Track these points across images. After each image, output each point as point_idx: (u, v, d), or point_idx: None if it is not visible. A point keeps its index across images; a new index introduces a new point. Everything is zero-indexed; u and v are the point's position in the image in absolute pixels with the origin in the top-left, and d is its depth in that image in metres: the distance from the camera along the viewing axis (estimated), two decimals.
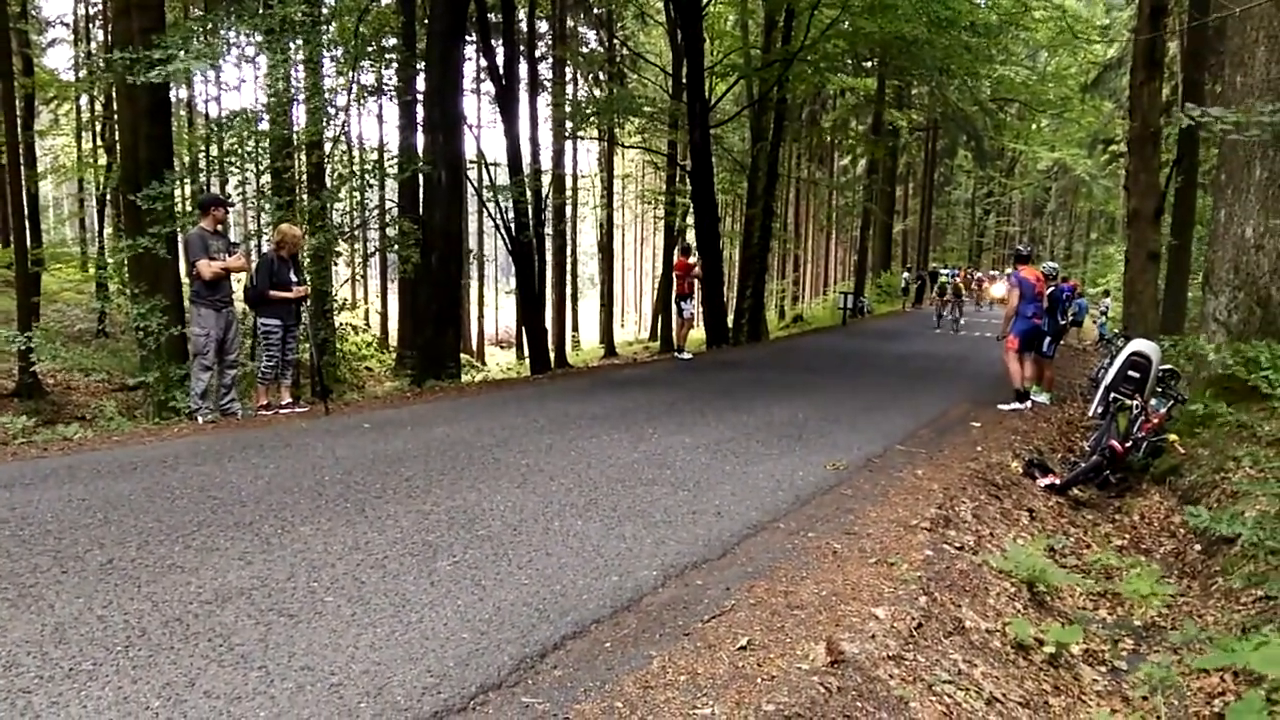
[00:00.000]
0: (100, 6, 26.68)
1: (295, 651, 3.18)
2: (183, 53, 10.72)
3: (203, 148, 21.63)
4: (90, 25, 28.71)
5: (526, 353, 21.27)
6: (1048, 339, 10.87)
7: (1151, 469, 7.56)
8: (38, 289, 21.46)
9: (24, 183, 20.81)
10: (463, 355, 14.82)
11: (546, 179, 23.11)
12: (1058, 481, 7.05)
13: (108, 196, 25.95)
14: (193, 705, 2.80)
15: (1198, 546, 5.66)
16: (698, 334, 23.93)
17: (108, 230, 26.06)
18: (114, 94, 17.26)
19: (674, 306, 16.38)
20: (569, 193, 33.60)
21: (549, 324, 25.14)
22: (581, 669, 3.13)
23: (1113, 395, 7.57)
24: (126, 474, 5.72)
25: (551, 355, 21.94)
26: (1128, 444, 7.16)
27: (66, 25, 30.04)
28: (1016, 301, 10.32)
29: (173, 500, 5.08)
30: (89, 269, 26.99)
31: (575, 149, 34.92)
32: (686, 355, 15.38)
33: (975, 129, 33.05)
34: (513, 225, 17.84)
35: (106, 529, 4.51)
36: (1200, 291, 9.08)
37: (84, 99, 29.48)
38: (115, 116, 18.97)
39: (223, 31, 13.37)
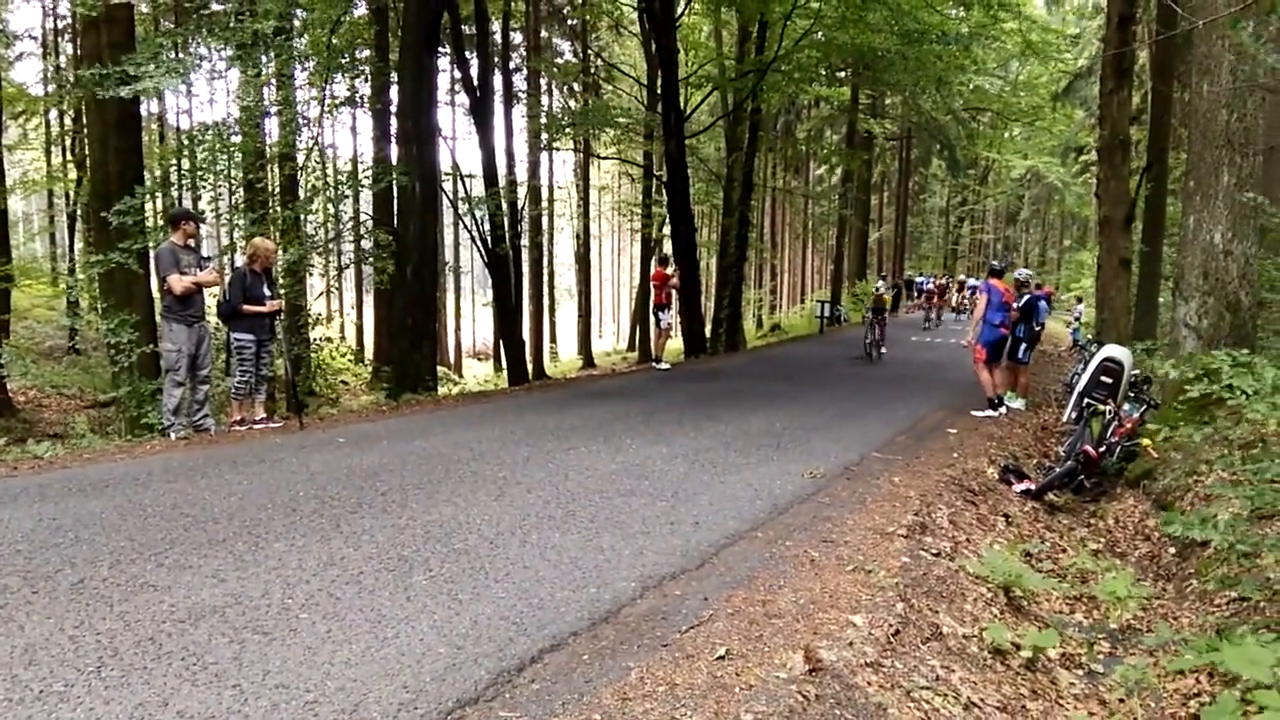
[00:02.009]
0: (69, 20, 26.41)
1: (269, 669, 3.15)
2: (153, 68, 10.65)
3: (174, 162, 21.44)
4: (59, 39, 28.42)
5: (504, 365, 21.20)
6: (1023, 345, 10.97)
7: (1126, 473, 7.65)
8: (7, 306, 21.12)
9: None
10: (440, 368, 14.78)
11: (522, 190, 23.10)
12: (1033, 487, 7.11)
13: (78, 211, 25.68)
14: None
15: (1172, 549, 5.72)
16: (676, 344, 23.95)
17: (78, 245, 25.77)
18: (83, 108, 17.11)
19: (652, 317, 16.39)
20: (545, 204, 33.60)
21: (526, 335, 25.04)
22: (559, 682, 3.11)
23: (1086, 401, 7.65)
24: (98, 492, 5.65)
25: (529, 367, 21.90)
26: (1102, 449, 7.24)
27: (35, 39, 29.67)
28: (984, 307, 10.41)
29: (145, 518, 5.01)
30: (60, 285, 26.66)
31: (551, 160, 35.00)
32: (664, 365, 15.39)
33: (949, 138, 33.37)
34: (489, 237, 17.81)
35: (78, 548, 4.44)
36: (1171, 297, 9.19)
37: (53, 113, 29.14)
38: (85, 131, 18.78)
39: (193, 47, 13.29)
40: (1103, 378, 7.64)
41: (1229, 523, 4.80)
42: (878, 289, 19.75)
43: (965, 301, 32.23)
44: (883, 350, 17.73)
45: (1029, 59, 25.45)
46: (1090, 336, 15.51)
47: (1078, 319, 25.35)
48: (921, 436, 8.82)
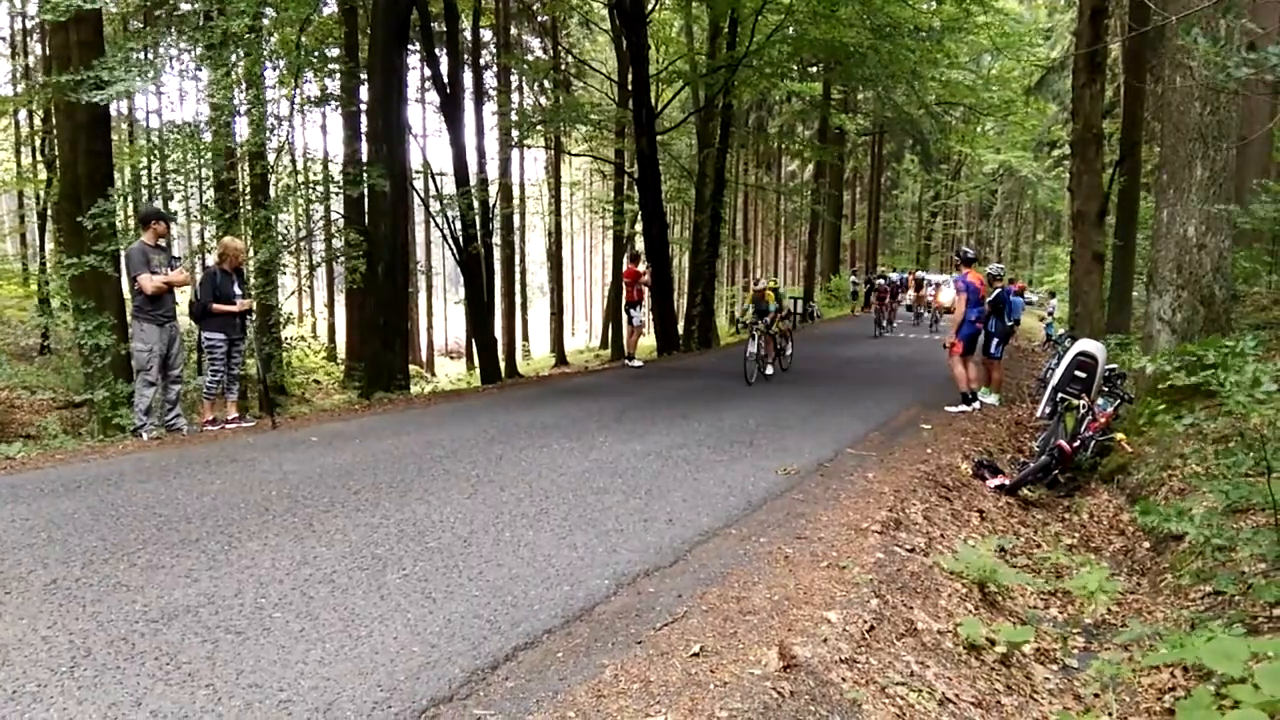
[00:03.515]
0: (37, 20, 26.01)
1: (243, 669, 3.13)
2: (123, 70, 10.52)
3: (145, 162, 21.19)
4: (28, 39, 27.97)
5: (477, 363, 21.11)
6: (995, 340, 11.05)
7: (1100, 468, 7.72)
8: None
9: None
10: (412, 367, 14.69)
11: (494, 188, 22.97)
12: (1007, 482, 7.16)
13: (48, 212, 25.28)
14: None
15: (1146, 544, 5.77)
16: (648, 341, 23.98)
17: (49, 246, 25.37)
18: (52, 109, 16.84)
19: (624, 314, 16.37)
20: (517, 202, 33.47)
21: (499, 334, 24.90)
22: (534, 679, 3.10)
23: (1060, 395, 7.71)
24: (70, 492, 5.59)
25: (502, 365, 21.78)
26: (1075, 443, 7.29)
27: (3, 39, 29.23)
28: (964, 308, 10.42)
29: (118, 518, 4.96)
30: (31, 284, 26.27)
31: (523, 157, 34.89)
32: (637, 363, 15.39)
33: (921, 133, 33.49)
34: (460, 235, 17.71)
35: (50, 548, 4.40)
36: (1145, 291, 9.27)
37: (22, 114, 28.70)
38: (54, 131, 18.51)
39: (163, 48, 13.10)
40: (1077, 372, 7.70)
41: (1204, 516, 4.85)
42: (758, 282, 14.58)
43: (928, 298, 29.33)
44: (775, 364, 13.89)
45: (1001, 53, 25.63)
46: (1064, 331, 15.65)
47: (1051, 314, 25.55)
48: (895, 432, 8.87)
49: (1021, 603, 4.85)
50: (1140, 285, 15.37)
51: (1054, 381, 8.01)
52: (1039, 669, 3.96)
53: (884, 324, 24.38)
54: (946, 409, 10.29)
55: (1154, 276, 8.32)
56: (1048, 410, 8.09)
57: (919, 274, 31.27)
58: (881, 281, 26.67)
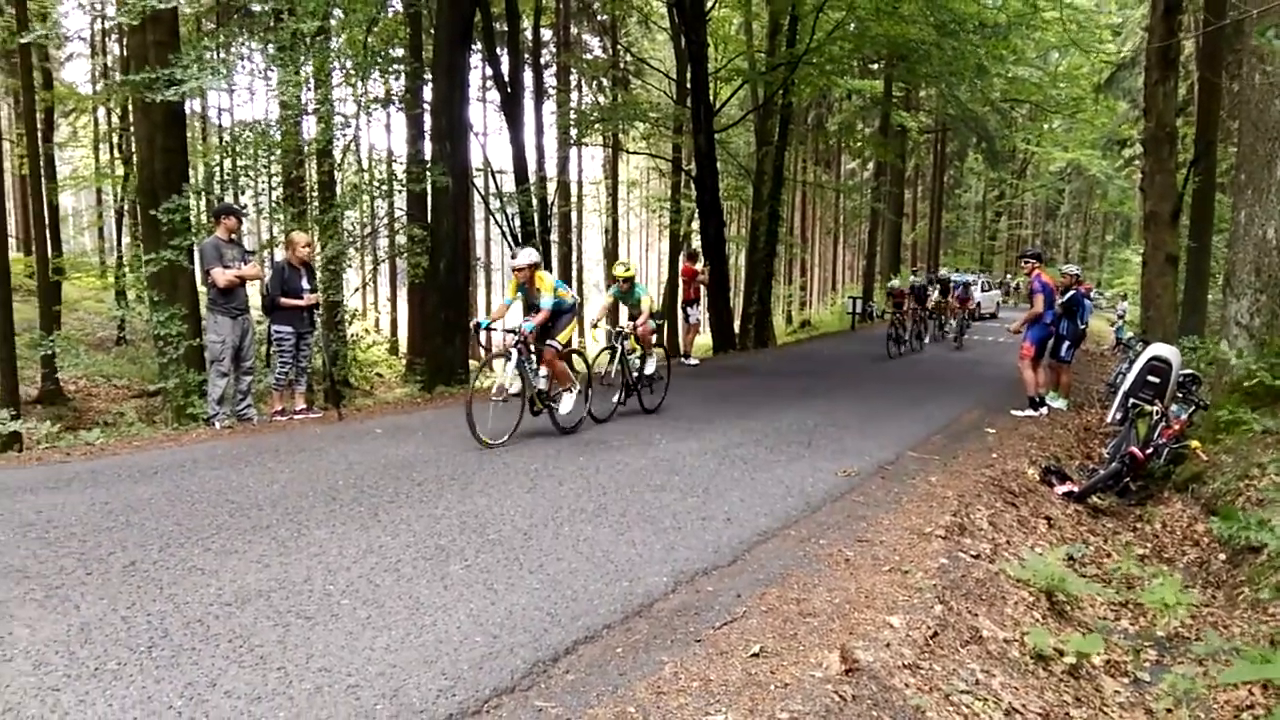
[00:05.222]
0: (115, 21, 26.92)
1: (313, 653, 3.20)
2: (196, 69, 10.83)
3: (217, 159, 21.84)
4: (106, 39, 28.96)
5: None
6: (1066, 343, 10.76)
7: (1173, 476, 7.47)
8: (59, 297, 21.68)
9: (45, 194, 21.07)
10: (471, 361, 14.81)
11: (552, 186, 23.13)
12: (1076, 489, 6.96)
13: (125, 207, 26.20)
14: (214, 705, 2.82)
15: (1222, 556, 5.56)
16: (704, 340, 23.88)
17: (126, 239, 26.30)
18: (130, 107, 17.42)
19: (680, 312, 16.33)
20: (574, 199, 33.60)
21: None
22: (594, 674, 3.12)
23: (1132, 401, 7.48)
24: (147, 478, 5.78)
25: None
26: (1148, 451, 7.06)
27: (84, 39, 30.32)
28: (1041, 309, 10.19)
29: (192, 504, 5.12)
30: (108, 277, 27.24)
31: (580, 155, 35.00)
32: (693, 361, 15.33)
33: (987, 130, 32.78)
34: (519, 232, 17.87)
35: (129, 532, 4.55)
36: (1220, 294, 8.97)
37: (101, 111, 29.76)
38: (132, 129, 19.15)
39: (235, 47, 13.44)
40: (1149, 377, 7.47)
41: None
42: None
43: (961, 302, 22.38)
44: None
45: (1070, 49, 24.95)
46: (1135, 335, 15.21)
47: (1121, 316, 24.88)
48: (958, 436, 8.72)
49: (1091, 613, 4.73)
50: (1215, 288, 14.88)
51: (1125, 386, 7.78)
52: (1109, 681, 3.86)
53: (905, 340, 17.89)
54: (1012, 412, 10.07)
55: (1230, 279, 8.04)
56: (1119, 416, 7.86)
57: (942, 273, 24.56)
58: (897, 284, 20.15)
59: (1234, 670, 3.54)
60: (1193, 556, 5.85)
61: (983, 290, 32.31)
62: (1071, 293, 10.67)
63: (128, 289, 20.01)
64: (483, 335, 8.43)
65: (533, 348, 7.63)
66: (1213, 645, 4.07)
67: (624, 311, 10.20)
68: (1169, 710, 3.59)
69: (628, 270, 9.71)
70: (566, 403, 8.00)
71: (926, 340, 19.72)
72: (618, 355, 8.89)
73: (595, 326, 9.36)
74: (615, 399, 8.95)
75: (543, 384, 7.73)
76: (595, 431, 7.97)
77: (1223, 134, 16.91)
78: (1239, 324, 7.77)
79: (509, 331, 7.57)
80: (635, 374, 9.17)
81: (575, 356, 8.50)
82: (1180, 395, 7.63)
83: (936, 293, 21.99)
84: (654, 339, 10.01)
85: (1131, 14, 31.17)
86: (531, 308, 7.87)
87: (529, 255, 7.96)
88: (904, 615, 3.69)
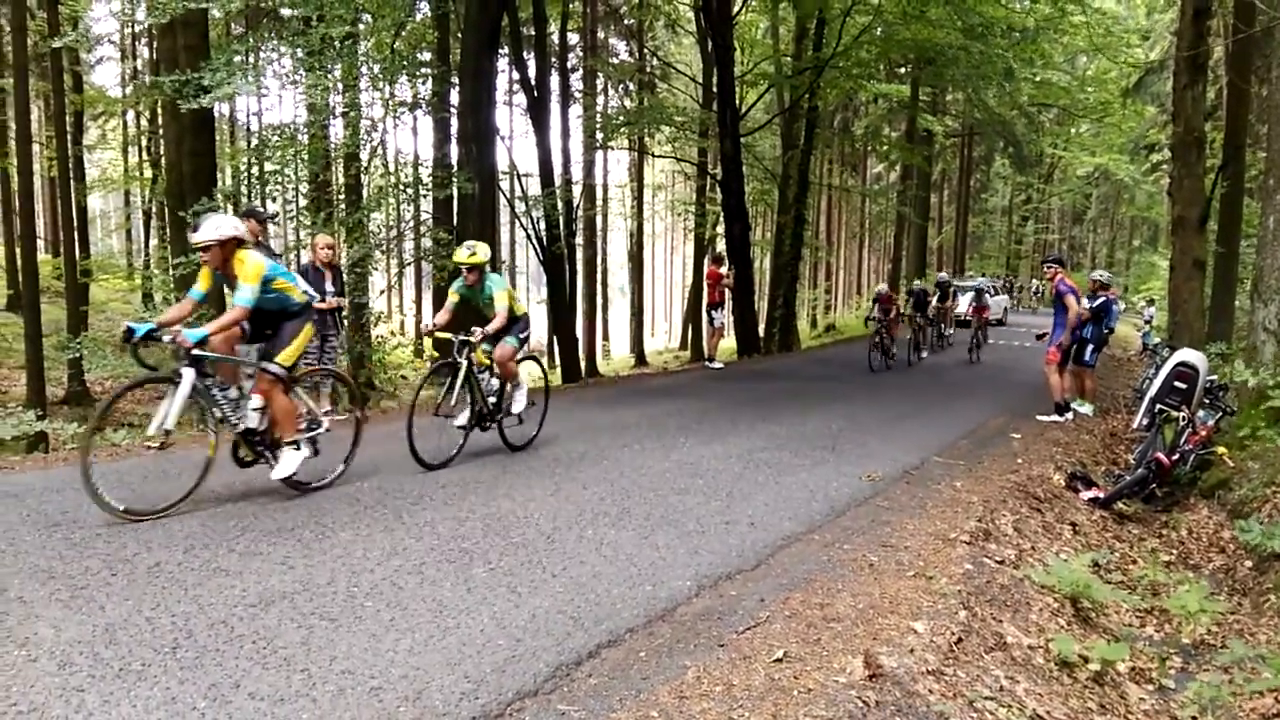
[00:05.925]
0: (145, 24, 27.32)
1: (336, 655, 3.23)
2: (225, 73, 10.96)
3: (245, 163, 22.05)
4: (136, 42, 29.37)
5: (557, 361, 21.33)
6: (1090, 347, 10.67)
7: (1199, 483, 7.38)
8: (86, 299, 21.94)
9: (73, 196, 21.35)
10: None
11: (577, 189, 23.19)
12: (1102, 495, 6.91)
13: (153, 209, 26.54)
14: (238, 706, 2.85)
15: (1249, 563, 5.50)
16: (729, 343, 23.83)
17: (153, 241, 26.63)
18: (159, 110, 17.66)
19: (705, 315, 16.31)
20: (600, 203, 33.66)
21: (579, 333, 25.11)
22: (617, 678, 3.13)
23: (1159, 407, 7.42)
24: (171, 478, 5.81)
25: (582, 364, 21.97)
26: (1174, 457, 6.99)
27: (114, 43, 30.77)
28: (1083, 307, 10.17)
29: (216, 506, 5.16)
30: (135, 279, 27.58)
31: (606, 159, 35.04)
32: (718, 364, 15.33)
33: (1014, 134, 32.52)
34: (544, 236, 17.93)
35: (153, 533, 4.60)
36: (1248, 300, 8.86)
37: (130, 114, 30.19)
38: (160, 132, 19.41)
39: (264, 51, 13.58)
40: (1176, 383, 7.40)
41: None
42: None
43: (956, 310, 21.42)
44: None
45: (1098, 54, 24.72)
46: (1161, 340, 15.04)
47: (1148, 322, 24.60)
48: (983, 441, 8.66)
49: (1116, 620, 4.69)
50: (1243, 294, 14.67)
51: (1152, 392, 7.71)
52: (1134, 689, 3.82)
53: (892, 352, 15.69)
54: (1037, 418, 9.98)
55: (1259, 285, 7.94)
56: (1145, 422, 7.79)
57: (941, 277, 21.11)
58: (884, 289, 17.18)
59: (1261, 679, 3.50)
60: (1219, 563, 5.78)
61: (991, 295, 31.03)
62: (1101, 299, 10.59)
63: (155, 291, 20.22)
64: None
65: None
66: (1239, 653, 4.02)
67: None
68: (1194, 718, 3.55)
69: (474, 255, 6.79)
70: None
71: (925, 354, 17.53)
72: (461, 375, 6.72)
73: (430, 335, 7.15)
74: (459, 424, 6.81)
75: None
76: (618, 435, 7.97)
77: (1251, 139, 16.68)
78: (1267, 330, 7.67)
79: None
80: (492, 399, 7.02)
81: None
82: (1207, 401, 7.55)
83: (935, 299, 19.55)
84: (517, 364, 7.21)
85: (1160, 19, 30.88)
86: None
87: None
88: (928, 621, 3.67)
